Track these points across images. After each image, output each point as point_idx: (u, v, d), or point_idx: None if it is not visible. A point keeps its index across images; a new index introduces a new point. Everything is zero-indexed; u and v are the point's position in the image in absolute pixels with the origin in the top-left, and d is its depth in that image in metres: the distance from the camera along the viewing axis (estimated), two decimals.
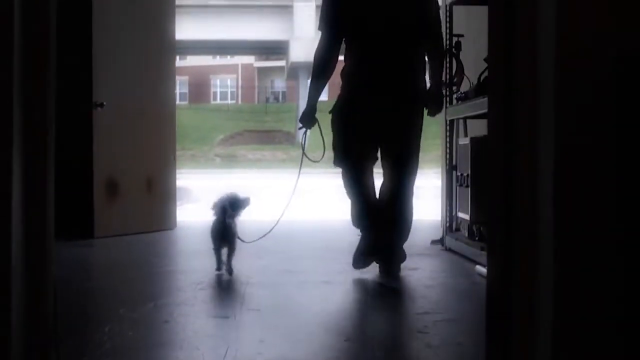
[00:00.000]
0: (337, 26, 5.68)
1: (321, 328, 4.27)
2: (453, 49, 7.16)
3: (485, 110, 4.04)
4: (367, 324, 4.47)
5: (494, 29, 3.23)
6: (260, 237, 6.17)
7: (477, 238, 6.43)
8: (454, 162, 7.11)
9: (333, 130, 5.75)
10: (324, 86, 5.79)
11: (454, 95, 7.19)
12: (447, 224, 7.22)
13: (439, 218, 8.17)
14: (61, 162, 4.08)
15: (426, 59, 5.78)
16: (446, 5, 7.30)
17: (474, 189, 6.35)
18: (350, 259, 6.02)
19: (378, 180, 5.84)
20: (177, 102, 10.72)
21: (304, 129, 5.88)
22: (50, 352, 3.00)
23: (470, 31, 7.45)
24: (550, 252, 2.79)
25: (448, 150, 7.25)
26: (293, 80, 43.20)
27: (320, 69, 5.72)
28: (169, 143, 8.92)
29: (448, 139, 7.26)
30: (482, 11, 6.20)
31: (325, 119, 5.77)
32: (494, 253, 3.22)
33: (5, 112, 2.82)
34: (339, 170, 5.81)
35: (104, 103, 8.00)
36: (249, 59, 56.31)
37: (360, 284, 5.63)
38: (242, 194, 5.85)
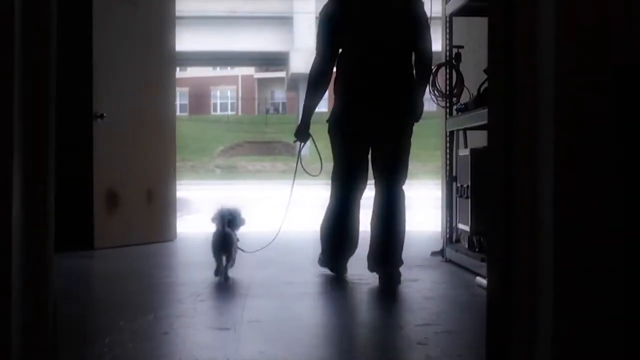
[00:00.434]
0: (331, 45, 5.93)
1: (321, 339, 4.26)
2: (453, 60, 7.17)
3: (485, 122, 4.04)
4: (368, 335, 4.46)
5: (493, 40, 3.24)
6: (262, 248, 6.45)
7: (477, 249, 6.43)
8: (454, 174, 7.11)
9: (331, 142, 6.01)
10: (318, 103, 6.06)
11: (454, 107, 7.20)
12: (447, 235, 7.21)
13: (439, 229, 8.16)
14: (61, 174, 4.08)
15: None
16: (446, 17, 7.31)
17: (474, 200, 6.35)
18: (351, 270, 6.04)
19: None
20: (177, 113, 10.72)
21: (300, 144, 6.16)
22: None
23: (470, 42, 7.46)
24: (551, 264, 2.79)
25: (448, 162, 7.25)
26: (293, 92, 43.27)
27: (315, 86, 6.00)
28: (169, 154, 8.92)
29: (448, 150, 7.26)
30: (482, 22, 6.22)
31: (321, 131, 5.94)
32: (494, 265, 3.22)
33: (5, 123, 2.82)
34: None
35: (104, 114, 8.01)
36: (249, 70, 56.39)
37: (361, 296, 5.62)
38: (239, 209, 6.08)
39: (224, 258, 5.95)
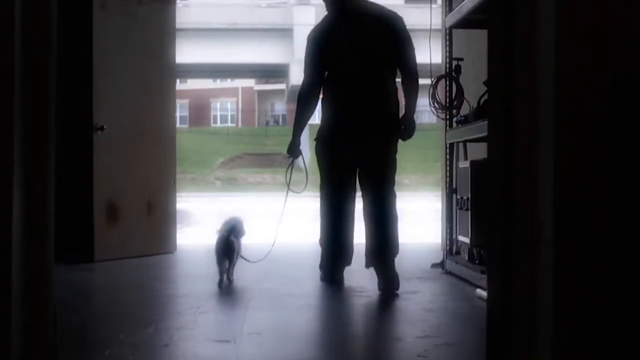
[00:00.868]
0: (317, 67, 6.28)
1: (321, 352, 4.26)
2: (453, 73, 7.18)
3: (485, 134, 4.04)
4: (368, 347, 4.45)
5: (493, 52, 3.25)
6: (263, 258, 6.59)
7: (477, 261, 6.42)
8: (454, 186, 7.11)
9: (317, 160, 6.34)
10: (307, 121, 6.44)
11: (454, 119, 7.20)
12: (448, 247, 7.21)
13: (439, 241, 8.16)
14: (61, 185, 4.08)
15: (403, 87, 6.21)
16: (446, 29, 7.32)
17: (474, 212, 6.35)
18: (351, 282, 6.03)
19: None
20: (178, 125, 10.73)
21: (291, 160, 6.50)
22: None
23: (469, 55, 7.47)
24: (551, 277, 2.79)
25: (448, 174, 7.25)
26: (293, 104, 43.21)
27: (304, 106, 6.38)
28: (169, 166, 8.92)
29: (448, 162, 7.26)
30: (481, 35, 6.23)
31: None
32: (494, 276, 3.22)
33: (6, 134, 2.83)
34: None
35: (105, 126, 8.01)
36: (249, 82, 56.40)
37: (361, 308, 5.62)
38: (242, 220, 6.37)
39: (226, 264, 6.22)
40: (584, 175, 2.79)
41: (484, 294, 5.21)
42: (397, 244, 6.18)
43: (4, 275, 2.81)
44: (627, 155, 2.78)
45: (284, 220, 6.63)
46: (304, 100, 6.37)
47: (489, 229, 3.49)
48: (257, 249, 6.76)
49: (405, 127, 6.14)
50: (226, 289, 6.12)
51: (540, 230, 2.89)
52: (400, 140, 6.22)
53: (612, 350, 2.79)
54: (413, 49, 6.19)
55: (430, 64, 7.22)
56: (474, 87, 7.17)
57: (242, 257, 6.36)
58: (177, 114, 37.13)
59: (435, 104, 7.28)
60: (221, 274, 6.22)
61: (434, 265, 7.33)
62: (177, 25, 9.04)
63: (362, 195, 6.23)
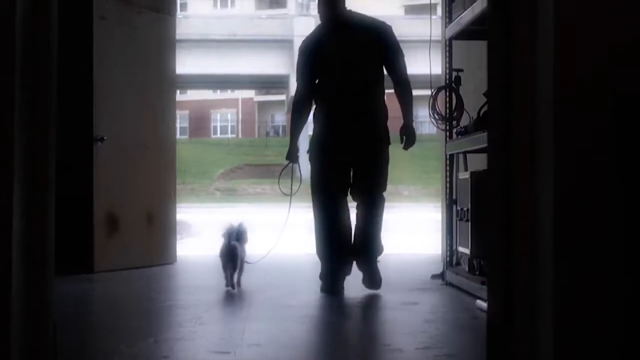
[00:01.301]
0: (309, 76, 6.54)
1: None
2: (453, 84, 7.19)
3: (485, 145, 4.04)
4: (368, 359, 4.45)
5: (493, 63, 3.25)
6: (263, 257, 6.84)
7: (477, 272, 6.41)
8: (454, 197, 7.10)
9: (311, 167, 6.55)
10: (302, 127, 6.79)
11: (454, 130, 7.20)
12: (448, 258, 7.20)
13: (439, 252, 8.15)
14: (61, 196, 4.08)
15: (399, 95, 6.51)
16: (446, 40, 7.33)
17: (474, 223, 6.34)
18: (351, 294, 6.01)
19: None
20: (178, 136, 10.73)
21: (287, 164, 6.76)
22: None
23: (469, 66, 7.48)
24: (551, 288, 2.79)
25: (448, 185, 7.24)
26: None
27: (297, 114, 6.70)
28: (169, 177, 8.92)
29: (448, 173, 7.25)
30: (481, 46, 6.25)
31: None
32: (494, 288, 3.22)
33: (6, 145, 2.83)
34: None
35: (105, 137, 8.02)
36: (249, 93, 56.46)
37: (361, 319, 5.61)
38: (245, 226, 6.57)
39: (230, 269, 6.40)
40: (583, 187, 2.79)
41: (484, 305, 5.20)
42: (380, 243, 6.53)
43: (4, 286, 2.81)
44: (627, 168, 2.78)
45: (284, 231, 6.84)
46: (297, 109, 6.69)
47: (489, 240, 3.49)
48: (258, 253, 6.90)
49: (406, 137, 6.43)
50: (227, 299, 6.11)
51: (539, 241, 2.89)
52: (403, 149, 6.51)
53: (613, 358, 2.79)
54: (403, 57, 6.47)
55: (430, 75, 7.23)
56: (474, 98, 7.17)
57: (246, 261, 6.57)
58: (177, 125, 37.15)
59: (435, 115, 7.28)
60: (227, 278, 6.42)
61: (434, 277, 7.32)
62: (177, 37, 9.06)
63: (356, 202, 6.54)
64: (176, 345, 4.50)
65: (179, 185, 9.40)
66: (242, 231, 6.51)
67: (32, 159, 2.95)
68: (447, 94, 7.24)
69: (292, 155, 6.72)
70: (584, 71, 2.81)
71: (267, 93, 55.32)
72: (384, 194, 6.53)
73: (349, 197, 6.55)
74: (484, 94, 5.47)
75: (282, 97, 47.82)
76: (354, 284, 6.60)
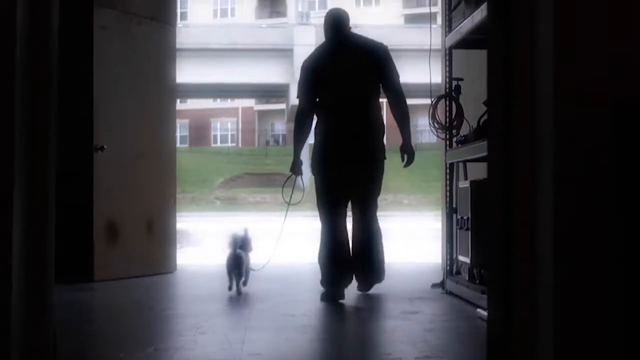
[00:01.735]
0: (310, 93, 6.86)
1: None
2: (452, 93, 7.19)
3: (485, 154, 4.04)
4: None
5: (493, 72, 3.26)
6: (264, 266, 7.10)
7: (477, 281, 6.41)
8: (454, 205, 7.09)
9: (314, 180, 6.91)
10: (305, 141, 7.11)
11: (454, 139, 7.20)
12: (448, 267, 7.19)
13: (440, 261, 8.15)
14: (61, 205, 4.08)
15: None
16: (446, 49, 7.34)
17: (474, 232, 6.34)
18: (351, 302, 6.00)
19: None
20: (178, 145, 10.73)
21: (290, 176, 7.09)
22: None
23: (469, 75, 7.48)
24: (550, 297, 2.79)
25: (448, 193, 7.24)
26: (293, 123, 43.28)
27: (299, 129, 6.99)
28: (169, 186, 8.92)
29: (448, 182, 7.25)
30: (481, 55, 6.25)
31: None
32: (494, 296, 3.22)
33: (7, 154, 2.83)
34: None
35: (105, 146, 8.02)
36: (249, 102, 56.49)
37: (362, 328, 5.61)
38: (250, 235, 6.87)
39: (234, 275, 6.69)
40: (583, 195, 2.79)
41: (484, 313, 5.20)
42: (382, 267, 6.90)
43: (4, 295, 2.81)
44: (627, 174, 2.78)
45: (282, 239, 7.12)
46: (299, 124, 6.98)
47: (489, 249, 3.49)
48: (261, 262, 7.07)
49: (407, 156, 6.84)
50: (227, 308, 6.11)
51: (539, 250, 2.89)
52: (403, 167, 6.85)
53: None
54: (397, 74, 6.85)
55: (430, 84, 7.23)
56: (473, 107, 7.17)
57: (251, 269, 6.89)
58: (177, 134, 37.15)
59: (435, 124, 7.29)
60: (230, 282, 6.70)
61: (434, 285, 7.31)
62: (178, 46, 9.07)
63: (352, 211, 6.94)
64: (176, 354, 4.50)
65: (179, 194, 9.39)
66: (246, 239, 6.81)
67: (33, 167, 2.95)
68: (447, 102, 7.25)
69: (296, 168, 7.07)
70: (583, 79, 2.81)
71: (267, 102, 55.35)
72: (379, 200, 6.94)
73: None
74: (484, 102, 5.47)
75: (282, 106, 47.83)
76: (354, 294, 6.59)
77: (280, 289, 7.29)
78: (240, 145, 55.95)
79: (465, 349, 4.83)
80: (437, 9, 10.99)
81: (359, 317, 5.89)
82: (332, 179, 6.77)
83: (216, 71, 37.07)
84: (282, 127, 55.76)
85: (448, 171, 7.25)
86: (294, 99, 38.24)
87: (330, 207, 6.77)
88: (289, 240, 6.72)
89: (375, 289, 6.92)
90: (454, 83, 7.21)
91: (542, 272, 2.88)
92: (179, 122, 37.13)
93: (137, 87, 8.45)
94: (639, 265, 2.77)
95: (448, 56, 7.32)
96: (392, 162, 7.09)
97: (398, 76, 6.87)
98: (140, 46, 8.51)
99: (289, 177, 7.14)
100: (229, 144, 55.85)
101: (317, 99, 6.87)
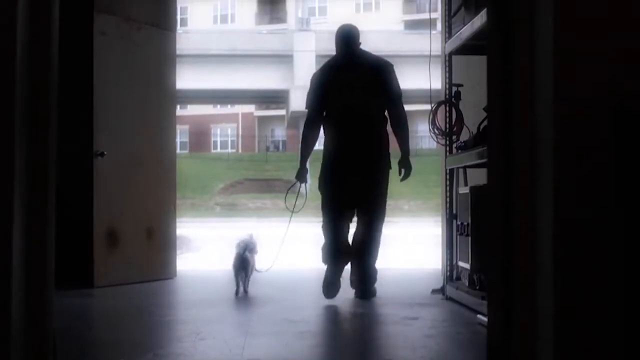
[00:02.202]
0: (317, 106, 7.21)
1: None
2: (452, 98, 7.19)
3: (485, 160, 4.05)
4: None
5: (492, 78, 3.26)
6: (269, 268, 7.37)
7: (477, 287, 6.41)
8: (454, 211, 7.10)
9: (320, 189, 7.18)
10: (312, 150, 7.41)
11: (454, 145, 7.21)
12: (448, 273, 7.19)
13: (440, 267, 8.14)
14: (61, 211, 4.08)
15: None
16: (445, 55, 7.34)
17: (474, 238, 6.34)
18: (351, 309, 6.00)
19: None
20: (178, 151, 10.74)
21: (294, 182, 7.40)
22: None
23: (469, 80, 7.48)
24: (551, 302, 2.79)
25: (448, 199, 7.24)
26: (293, 129, 43.33)
27: (307, 139, 7.33)
28: (169, 192, 8.92)
29: (448, 188, 7.26)
30: (481, 61, 6.25)
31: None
32: (494, 302, 3.22)
33: (7, 162, 2.84)
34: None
35: (105, 152, 8.02)
36: (249, 108, 56.49)
37: (362, 334, 5.61)
38: (255, 239, 7.24)
39: (242, 277, 7.09)
40: (583, 200, 2.79)
41: (484, 319, 5.20)
42: (375, 269, 7.08)
43: (4, 300, 2.81)
44: (626, 181, 2.78)
45: (285, 242, 7.34)
46: (307, 134, 7.32)
47: (489, 255, 3.49)
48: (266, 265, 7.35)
49: (404, 169, 7.13)
50: (227, 314, 6.11)
51: (540, 256, 2.89)
52: (400, 181, 7.19)
53: None
54: (399, 88, 7.12)
55: (430, 90, 7.24)
56: (473, 113, 7.18)
57: (256, 270, 7.25)
58: (177, 140, 37.18)
59: (435, 130, 7.29)
60: (237, 285, 7.08)
61: (434, 291, 7.31)
62: (178, 52, 9.08)
63: (357, 218, 7.18)
64: None
65: (178, 200, 9.39)
66: (252, 243, 7.19)
67: (33, 173, 2.96)
68: (447, 108, 7.25)
69: (301, 176, 7.40)
70: (583, 85, 2.81)
71: (267, 108, 55.36)
72: (386, 214, 7.17)
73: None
74: (483, 108, 5.48)
75: (282, 112, 47.82)
76: (353, 300, 6.59)
77: (280, 294, 7.28)
78: (240, 151, 55.95)
79: (466, 354, 4.83)
80: (437, 15, 10.99)
81: (359, 323, 5.88)
82: (338, 191, 7.07)
83: (216, 77, 37.11)
84: (282, 132, 55.78)
85: (448, 177, 7.25)
86: (294, 105, 38.35)
87: (333, 219, 7.07)
88: (292, 245, 6.72)
89: (376, 297, 6.94)
90: (454, 89, 7.22)
91: (542, 278, 2.88)
92: (179, 128, 37.06)
93: (137, 93, 8.46)
94: (639, 269, 2.77)
95: (448, 62, 7.33)
96: (393, 167, 7.22)
97: (399, 89, 7.13)
98: (141, 52, 8.52)
99: (294, 184, 7.43)
100: (229, 150, 55.85)
101: (325, 112, 7.19)
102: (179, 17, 29.32)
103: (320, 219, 7.14)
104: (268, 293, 6.90)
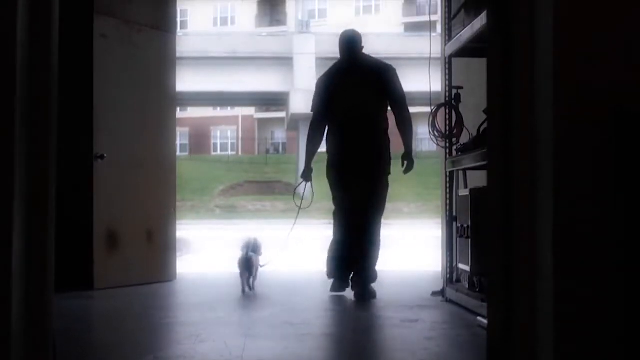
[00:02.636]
0: (322, 108, 7.49)
1: None
2: (452, 101, 7.19)
3: (485, 162, 4.04)
4: None
5: (493, 81, 3.26)
6: (270, 261, 7.64)
7: (478, 290, 6.40)
8: (454, 213, 7.10)
9: (329, 184, 7.48)
10: (316, 151, 7.69)
11: (454, 147, 7.21)
12: (448, 276, 7.19)
13: (440, 269, 8.14)
14: (62, 214, 4.08)
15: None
16: (445, 58, 7.35)
17: (474, 240, 6.34)
18: (351, 312, 5.99)
19: None
20: (178, 153, 10.73)
21: (302, 183, 7.75)
22: None
23: (469, 83, 7.48)
24: (551, 305, 2.79)
25: (448, 202, 7.24)
26: (293, 132, 43.33)
27: (313, 139, 7.67)
28: (169, 194, 8.92)
29: (448, 190, 7.26)
30: (481, 63, 6.26)
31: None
32: (494, 305, 3.21)
33: (7, 164, 2.83)
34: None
35: (105, 155, 8.02)
36: (249, 111, 56.51)
37: (362, 336, 5.60)
38: (260, 240, 7.56)
39: (247, 276, 7.35)
40: (583, 202, 2.79)
41: (484, 322, 5.19)
42: (375, 270, 7.24)
43: (4, 302, 2.80)
44: (627, 183, 2.78)
45: (290, 246, 7.63)
46: (312, 135, 7.65)
47: (489, 257, 3.49)
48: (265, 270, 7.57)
49: (407, 163, 7.30)
50: (226, 316, 6.11)
51: (540, 259, 2.89)
52: (403, 173, 7.32)
53: None
54: (401, 88, 7.35)
55: (430, 92, 7.24)
56: (473, 115, 7.17)
57: (260, 266, 7.51)
58: (177, 142, 37.19)
59: (435, 132, 7.29)
60: (243, 284, 7.36)
61: (434, 294, 7.31)
62: (178, 54, 9.08)
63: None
64: None
65: (178, 202, 9.39)
66: (257, 244, 7.51)
67: (33, 175, 2.96)
68: (447, 111, 7.25)
69: (306, 175, 7.73)
70: (583, 88, 2.81)
71: (267, 110, 55.39)
72: (383, 217, 7.38)
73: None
74: (483, 111, 5.48)
75: (282, 114, 47.81)
76: (353, 302, 6.58)
77: (280, 296, 7.28)
78: (240, 153, 55.98)
79: (466, 357, 4.82)
80: (437, 17, 11.01)
81: (359, 326, 5.88)
82: (343, 186, 7.37)
83: (216, 79, 37.09)
84: (282, 135, 55.81)
85: (448, 179, 7.25)
86: (294, 108, 38.35)
87: (343, 214, 7.37)
88: (295, 246, 6.74)
89: (376, 299, 6.94)
90: (454, 91, 7.21)
91: (542, 280, 2.88)
92: (179, 130, 37.13)
93: (138, 96, 8.46)
94: (639, 271, 2.77)
95: (448, 64, 7.33)
96: (393, 169, 7.38)
97: (403, 91, 7.36)
98: (141, 54, 8.52)
99: (300, 183, 7.79)
100: (229, 152, 55.88)
101: (329, 115, 7.46)
102: (179, 19, 29.34)
103: (324, 220, 7.55)
104: (268, 295, 6.89)
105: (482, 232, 6.19)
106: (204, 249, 14.53)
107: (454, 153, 7.18)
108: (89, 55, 8.05)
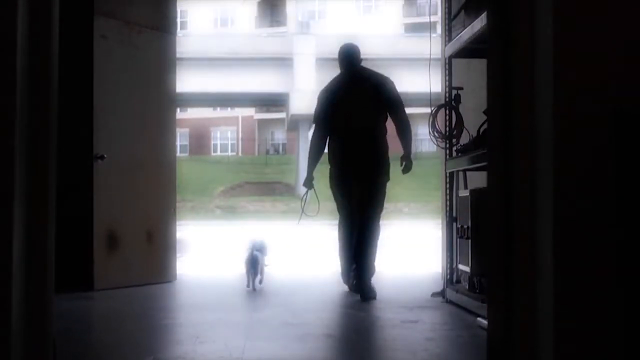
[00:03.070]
0: (324, 117, 7.84)
1: None
2: (452, 102, 7.19)
3: (485, 163, 4.04)
4: None
5: (492, 81, 3.26)
6: (273, 262, 7.99)
7: (478, 290, 6.40)
8: (454, 214, 7.09)
9: (332, 191, 7.82)
10: (319, 161, 8.03)
11: (454, 148, 7.21)
12: (448, 276, 7.19)
13: (440, 270, 8.14)
14: (62, 215, 4.08)
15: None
16: (445, 58, 7.35)
17: (474, 241, 6.34)
18: (351, 312, 5.98)
19: None
20: (178, 153, 10.73)
21: (306, 190, 8.02)
22: None
23: (469, 84, 7.48)
24: (551, 305, 2.79)
25: (448, 202, 7.24)
26: (293, 132, 43.35)
27: (315, 150, 8.02)
28: (169, 195, 8.92)
29: (448, 191, 7.25)
30: (481, 64, 6.26)
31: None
32: (494, 305, 3.21)
33: (7, 165, 2.84)
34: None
35: (105, 155, 8.02)
36: (249, 111, 56.51)
37: (362, 337, 5.60)
38: (265, 240, 7.89)
39: (252, 274, 7.64)
40: (583, 203, 2.79)
41: (484, 322, 5.19)
42: (373, 265, 7.51)
43: (4, 302, 2.80)
44: (626, 184, 2.78)
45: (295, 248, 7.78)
46: (314, 146, 7.99)
47: (489, 258, 3.49)
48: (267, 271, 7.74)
49: (405, 164, 7.58)
50: (226, 317, 6.11)
51: (539, 259, 2.89)
52: (402, 173, 7.61)
53: None
54: (402, 106, 7.66)
55: (430, 93, 7.24)
56: (473, 116, 7.17)
57: (266, 265, 7.81)
58: (178, 143, 37.21)
59: (435, 133, 7.29)
60: (248, 280, 7.67)
61: (434, 294, 7.31)
62: (178, 55, 9.08)
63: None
64: None
65: (178, 203, 9.39)
66: (263, 244, 7.83)
67: (33, 176, 2.96)
68: (447, 112, 7.25)
69: (308, 183, 8.02)
70: (583, 89, 2.81)
71: (267, 111, 55.39)
72: (382, 218, 7.68)
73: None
74: (483, 112, 5.48)
75: (282, 115, 47.82)
76: (353, 303, 6.57)
77: (281, 297, 7.28)
78: (240, 154, 55.99)
79: (466, 357, 4.82)
80: (437, 18, 11.00)
81: (360, 326, 5.88)
82: (343, 194, 7.73)
83: (216, 80, 37.08)
84: (282, 135, 55.82)
85: (448, 180, 7.25)
86: (294, 108, 38.34)
87: (347, 217, 7.75)
88: (300, 248, 6.74)
89: (376, 299, 6.95)
90: (454, 92, 7.21)
91: (542, 280, 2.88)
92: (179, 131, 37.15)
93: (138, 96, 8.46)
94: (638, 271, 2.77)
95: (448, 65, 7.33)
96: (393, 170, 7.59)
97: (399, 97, 7.67)
98: (141, 55, 8.52)
99: (305, 193, 8.07)
100: (229, 153, 55.89)
101: (331, 125, 7.77)
102: (179, 20, 29.34)
103: (330, 221, 7.80)
104: (269, 296, 6.89)
105: (482, 232, 6.19)
106: (204, 250, 14.52)
107: (454, 154, 7.18)
108: (89, 56, 8.04)
